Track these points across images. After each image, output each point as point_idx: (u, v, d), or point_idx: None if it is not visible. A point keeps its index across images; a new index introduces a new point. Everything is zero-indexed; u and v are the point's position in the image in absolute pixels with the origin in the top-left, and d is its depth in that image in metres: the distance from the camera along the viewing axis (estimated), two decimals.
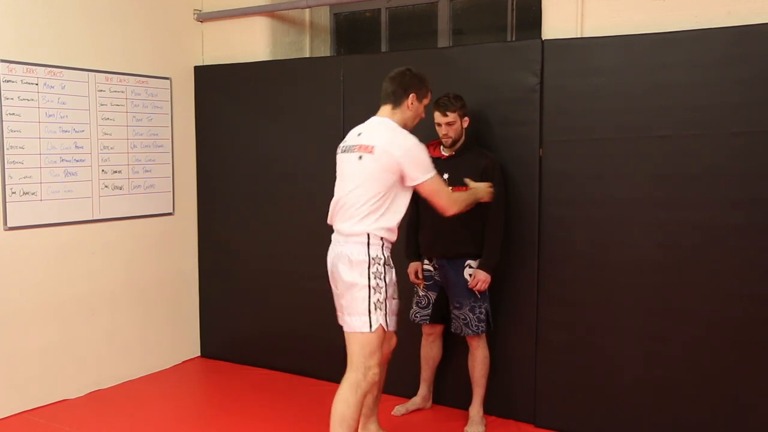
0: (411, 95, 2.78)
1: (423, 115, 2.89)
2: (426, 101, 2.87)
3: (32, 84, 3.55)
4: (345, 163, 2.83)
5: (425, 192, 2.76)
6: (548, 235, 3.32)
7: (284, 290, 4.17)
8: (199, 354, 4.58)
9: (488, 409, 3.43)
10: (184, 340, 4.49)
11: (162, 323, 4.33)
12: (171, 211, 4.35)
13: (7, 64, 3.44)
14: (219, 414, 3.62)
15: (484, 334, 3.31)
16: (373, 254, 2.70)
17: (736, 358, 2.97)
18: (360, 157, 2.72)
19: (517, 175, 3.37)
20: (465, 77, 3.49)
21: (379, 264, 2.71)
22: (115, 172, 3.99)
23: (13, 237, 3.50)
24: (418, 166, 2.69)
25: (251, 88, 4.21)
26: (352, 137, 2.84)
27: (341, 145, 2.90)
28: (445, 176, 3.15)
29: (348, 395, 2.68)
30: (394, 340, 3.03)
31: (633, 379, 3.18)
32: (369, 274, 2.69)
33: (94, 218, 3.89)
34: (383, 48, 4.45)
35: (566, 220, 3.28)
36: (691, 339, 3.05)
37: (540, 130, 3.31)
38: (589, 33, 3.32)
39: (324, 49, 4.66)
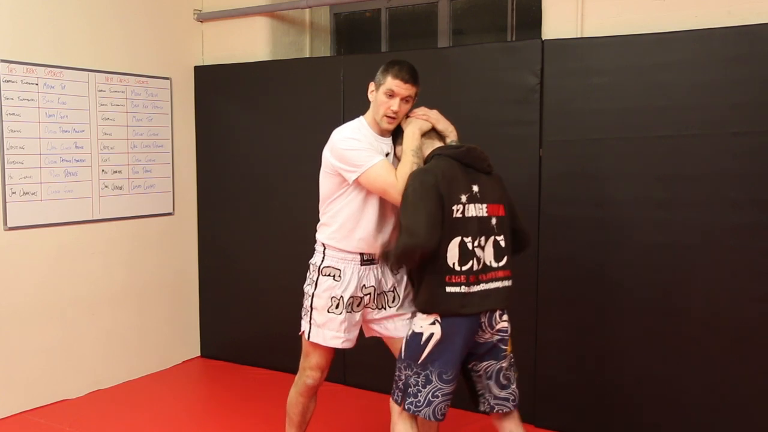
0: (369, 86, 2.55)
1: (392, 107, 2.44)
2: (384, 88, 2.46)
3: (32, 84, 3.55)
4: None
5: (371, 189, 2.45)
6: (548, 235, 3.32)
7: (284, 290, 4.16)
8: (199, 354, 4.58)
9: None
10: (184, 340, 4.49)
11: (162, 323, 4.33)
12: (171, 211, 4.35)
13: (7, 64, 3.44)
14: (219, 414, 3.62)
15: (399, 408, 2.38)
16: (313, 260, 2.65)
17: (736, 358, 2.97)
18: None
19: (517, 175, 3.36)
20: (465, 77, 3.49)
21: (315, 271, 2.61)
22: (115, 172, 3.99)
23: (13, 237, 3.50)
24: (346, 163, 2.45)
25: (251, 88, 4.21)
26: None
27: None
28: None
29: (291, 388, 2.76)
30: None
31: (633, 379, 3.18)
32: (307, 279, 2.66)
33: (94, 218, 3.89)
34: (383, 48, 4.45)
35: (566, 220, 3.28)
36: (691, 339, 3.05)
37: (540, 130, 3.31)
38: (589, 33, 3.32)
39: (324, 49, 4.66)
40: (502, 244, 2.37)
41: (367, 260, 2.59)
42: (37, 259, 3.62)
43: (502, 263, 2.37)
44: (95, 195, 3.88)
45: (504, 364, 2.41)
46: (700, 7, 3.08)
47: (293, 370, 4.10)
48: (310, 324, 2.63)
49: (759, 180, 2.89)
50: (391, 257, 2.37)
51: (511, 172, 3.36)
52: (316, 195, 3.99)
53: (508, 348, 2.42)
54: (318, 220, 2.65)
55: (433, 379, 2.29)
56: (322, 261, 2.60)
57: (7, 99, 3.44)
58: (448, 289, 2.26)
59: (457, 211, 2.28)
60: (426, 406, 2.29)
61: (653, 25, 3.14)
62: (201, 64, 4.46)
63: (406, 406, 2.33)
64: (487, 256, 2.34)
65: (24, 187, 3.53)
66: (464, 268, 2.27)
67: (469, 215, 2.30)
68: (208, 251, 4.50)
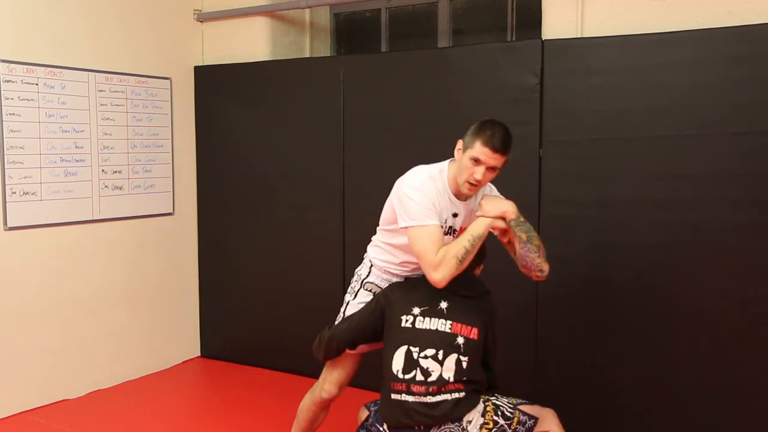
0: (458, 143, 2.36)
1: (476, 175, 2.27)
2: (471, 152, 2.28)
3: (32, 84, 3.55)
4: None
5: (410, 245, 2.35)
6: (548, 235, 3.31)
7: (284, 290, 4.17)
8: (199, 354, 4.58)
9: None
10: (184, 340, 4.49)
11: (162, 323, 4.33)
12: (171, 211, 4.35)
13: (7, 64, 3.44)
14: (219, 414, 3.62)
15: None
16: (359, 270, 2.65)
17: (736, 358, 2.97)
18: None
19: (517, 175, 3.36)
20: (465, 77, 3.49)
21: (358, 282, 2.62)
22: (115, 172, 3.99)
23: (13, 237, 3.50)
24: (403, 208, 2.34)
25: (251, 88, 4.21)
26: None
27: None
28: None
29: (307, 394, 2.72)
30: None
31: (632, 379, 3.18)
32: (349, 287, 2.66)
33: (94, 218, 3.89)
34: (383, 48, 4.45)
35: (566, 220, 3.28)
36: (691, 339, 3.05)
37: (540, 130, 3.31)
38: (589, 33, 3.32)
39: (324, 49, 4.66)
40: (464, 365, 2.33)
41: None
42: (37, 259, 3.62)
43: (459, 378, 2.33)
44: (95, 195, 3.88)
45: None
46: (700, 7, 3.08)
47: (293, 370, 4.12)
48: None
49: (759, 180, 2.89)
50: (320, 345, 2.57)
51: (511, 172, 3.36)
52: (316, 194, 4.02)
53: None
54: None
55: None
56: (368, 276, 2.60)
57: (7, 99, 3.44)
58: (393, 396, 2.33)
59: (406, 321, 2.36)
60: None
61: (653, 25, 3.14)
62: (201, 64, 4.46)
63: None
64: (446, 371, 2.31)
65: (24, 187, 3.53)
66: (407, 376, 2.31)
67: (422, 327, 2.34)
68: (208, 251, 4.50)
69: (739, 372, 2.97)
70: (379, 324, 2.45)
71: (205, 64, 4.45)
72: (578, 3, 3.33)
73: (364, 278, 2.61)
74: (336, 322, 2.63)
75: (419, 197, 2.32)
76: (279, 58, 4.33)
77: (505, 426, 2.36)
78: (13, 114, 3.47)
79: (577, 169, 3.24)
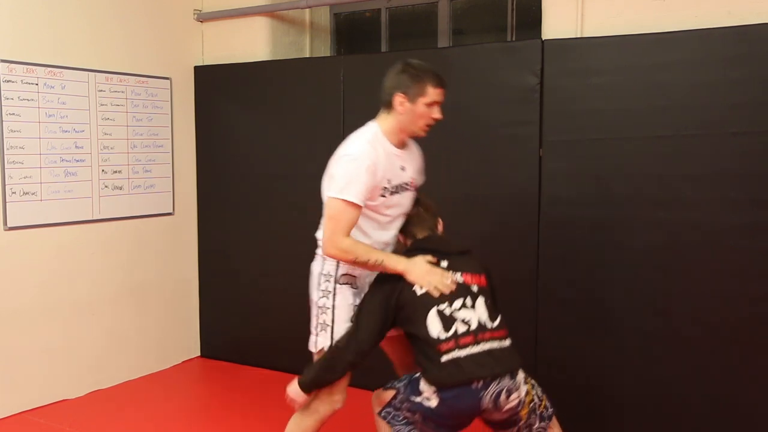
0: (397, 96, 2.41)
1: (435, 115, 2.43)
2: (425, 99, 2.39)
3: (32, 84, 3.55)
4: None
5: (326, 214, 2.39)
6: (548, 235, 3.32)
7: (284, 290, 4.17)
8: (199, 354, 4.58)
9: None
10: (184, 340, 4.49)
11: (162, 323, 4.33)
12: (171, 211, 4.35)
13: (7, 64, 3.44)
14: (219, 414, 3.62)
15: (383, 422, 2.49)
16: (322, 269, 2.48)
17: (736, 358, 2.97)
18: None
19: (517, 175, 3.37)
20: (465, 77, 3.49)
21: (330, 281, 2.45)
22: (115, 172, 3.99)
23: (13, 237, 3.50)
24: (331, 178, 2.40)
25: (251, 88, 4.21)
26: None
27: None
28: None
29: (303, 418, 2.62)
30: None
31: (632, 379, 3.18)
32: (319, 291, 2.49)
33: (94, 218, 3.89)
34: (383, 48, 4.46)
35: (566, 220, 3.28)
36: (690, 339, 3.05)
37: (540, 130, 3.31)
38: (588, 33, 3.32)
39: (324, 49, 4.66)
40: (489, 303, 2.36)
41: None
42: (37, 259, 3.62)
43: (496, 323, 2.33)
44: (95, 195, 3.88)
45: (521, 424, 2.34)
46: (700, 7, 3.08)
47: (293, 370, 4.09)
48: (332, 339, 2.45)
49: (759, 180, 2.89)
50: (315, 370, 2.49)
51: (511, 172, 3.38)
52: (315, 194, 4.00)
53: (523, 415, 2.32)
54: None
55: None
56: (337, 269, 2.46)
57: (7, 99, 3.44)
58: (444, 358, 2.21)
59: (421, 288, 2.31)
60: None
61: (653, 25, 3.14)
62: (201, 64, 4.46)
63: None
64: (481, 316, 2.30)
65: (24, 187, 3.53)
66: (449, 334, 2.24)
67: None
68: (208, 251, 4.50)
69: (740, 372, 2.97)
70: (392, 302, 2.35)
71: (205, 64, 4.46)
72: (578, 3, 3.33)
73: (336, 273, 2.46)
74: (334, 338, 2.46)
75: (353, 171, 2.35)
76: (279, 58, 4.33)
77: (537, 404, 2.36)
78: (13, 114, 3.47)
79: (577, 169, 3.24)
